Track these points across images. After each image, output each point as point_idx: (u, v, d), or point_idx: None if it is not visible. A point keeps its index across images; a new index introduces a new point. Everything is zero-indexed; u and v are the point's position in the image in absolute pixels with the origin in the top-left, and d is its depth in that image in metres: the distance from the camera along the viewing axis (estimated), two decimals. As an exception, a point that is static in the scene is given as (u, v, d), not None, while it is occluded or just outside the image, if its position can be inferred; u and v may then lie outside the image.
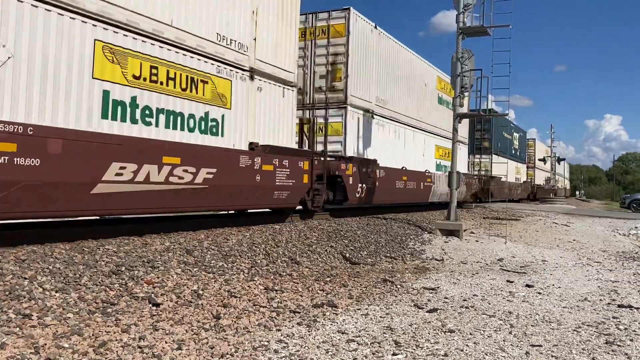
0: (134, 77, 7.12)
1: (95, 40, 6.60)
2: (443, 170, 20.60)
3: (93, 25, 6.56)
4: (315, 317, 5.11)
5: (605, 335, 5.00)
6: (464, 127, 23.64)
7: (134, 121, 7.16)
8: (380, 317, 5.28)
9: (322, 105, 13.70)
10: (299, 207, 11.49)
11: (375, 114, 15.12)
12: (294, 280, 6.65)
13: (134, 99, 7.13)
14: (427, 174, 18.66)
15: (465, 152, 24.67)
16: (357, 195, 13.15)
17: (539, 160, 47.92)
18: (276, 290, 6.00)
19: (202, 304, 5.12)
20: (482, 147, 30.63)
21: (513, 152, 36.43)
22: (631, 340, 4.86)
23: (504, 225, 15.48)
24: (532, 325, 5.22)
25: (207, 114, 8.45)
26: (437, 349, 4.32)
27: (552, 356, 4.31)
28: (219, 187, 8.32)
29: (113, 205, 6.72)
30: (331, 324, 4.90)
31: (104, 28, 6.70)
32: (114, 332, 4.11)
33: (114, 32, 6.85)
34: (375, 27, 15.03)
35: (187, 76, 8.00)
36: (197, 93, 8.21)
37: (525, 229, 15.33)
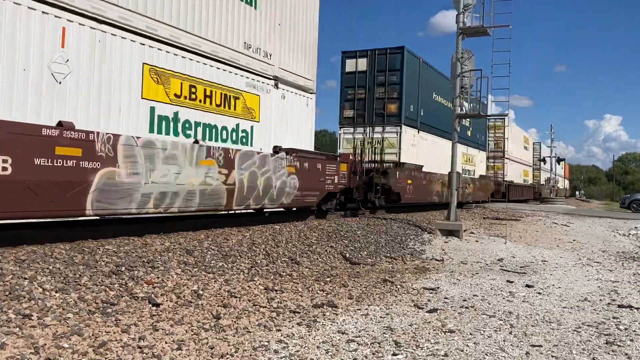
0: None
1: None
2: (234, 139, 9.44)
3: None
4: (315, 317, 5.11)
5: (606, 335, 5.00)
6: (302, 52, 11.49)
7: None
8: (380, 317, 5.28)
9: None
10: None
11: None
12: (294, 281, 6.65)
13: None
14: (125, 146, 6.70)
15: (307, 106, 11.89)
16: None
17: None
18: (276, 291, 5.99)
19: (202, 304, 5.12)
20: (385, 113, 16.75)
21: (459, 130, 20.89)
22: (631, 340, 4.86)
23: (504, 225, 15.48)
24: (532, 326, 5.22)
25: None
26: (437, 349, 4.32)
27: (552, 356, 4.31)
28: None
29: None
30: (331, 324, 4.90)
31: None
32: (114, 332, 4.11)
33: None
34: None
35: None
36: None
37: (525, 229, 15.34)
